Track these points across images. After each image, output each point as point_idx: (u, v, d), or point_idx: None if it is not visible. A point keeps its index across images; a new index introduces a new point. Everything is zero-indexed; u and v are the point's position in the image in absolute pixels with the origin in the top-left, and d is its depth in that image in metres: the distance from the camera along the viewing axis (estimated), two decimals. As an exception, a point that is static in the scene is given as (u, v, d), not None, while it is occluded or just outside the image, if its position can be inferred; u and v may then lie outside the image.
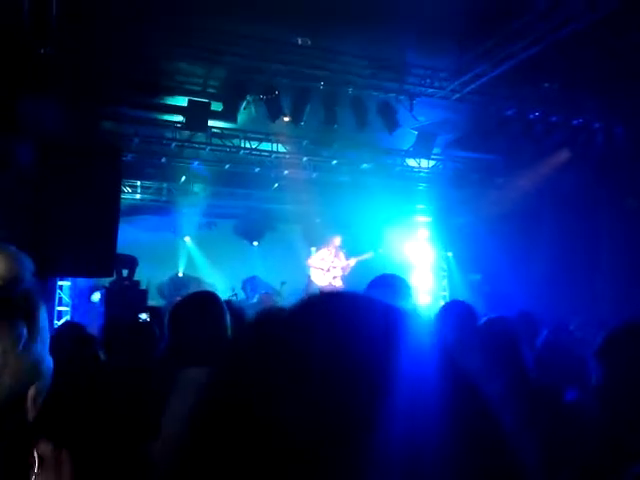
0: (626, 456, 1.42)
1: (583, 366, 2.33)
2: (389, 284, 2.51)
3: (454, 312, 3.08)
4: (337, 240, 10.99)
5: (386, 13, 6.64)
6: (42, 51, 6.66)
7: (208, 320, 2.28)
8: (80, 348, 2.75)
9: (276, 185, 11.05)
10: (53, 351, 1.13)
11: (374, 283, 2.52)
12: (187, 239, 11.88)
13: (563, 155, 9.94)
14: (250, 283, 11.28)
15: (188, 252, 11.93)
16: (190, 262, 11.89)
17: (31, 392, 1.00)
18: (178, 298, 2.98)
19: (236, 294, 10.84)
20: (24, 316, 1.02)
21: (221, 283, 11.16)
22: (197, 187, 10.82)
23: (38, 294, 1.14)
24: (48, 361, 1.08)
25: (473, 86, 8.31)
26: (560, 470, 1.60)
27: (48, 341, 1.11)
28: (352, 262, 10.90)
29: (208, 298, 2.46)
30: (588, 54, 7.26)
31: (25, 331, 1.00)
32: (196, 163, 10.27)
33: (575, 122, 9.56)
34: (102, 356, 3.01)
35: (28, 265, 1.12)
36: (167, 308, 6.45)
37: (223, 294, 10.31)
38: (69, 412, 2.26)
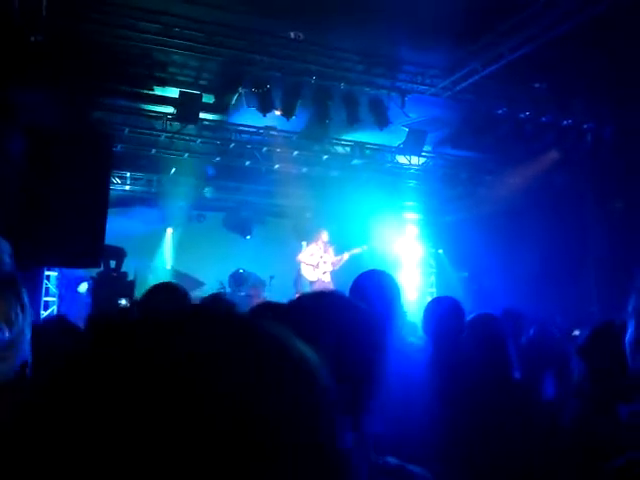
0: (604, 450, 1.45)
1: (566, 363, 2.37)
2: (376, 281, 2.52)
3: (440, 308, 3.10)
4: (324, 235, 11.01)
5: (379, 9, 6.65)
6: (33, 39, 6.60)
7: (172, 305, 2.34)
8: (64, 340, 2.74)
9: (266, 179, 11.06)
10: (38, 343, 1.16)
11: (361, 280, 2.53)
12: (169, 231, 11.77)
13: (552, 155, 10.01)
14: (233, 277, 11.28)
15: (174, 244, 11.83)
16: (177, 254, 11.81)
17: (24, 370, 1.04)
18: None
19: (224, 287, 10.83)
20: (15, 296, 1.05)
21: (209, 276, 11.14)
22: (189, 180, 10.83)
23: (18, 275, 1.17)
24: (29, 339, 1.11)
25: (464, 84, 8.34)
26: (539, 464, 1.63)
27: (30, 320, 1.15)
28: (345, 256, 10.91)
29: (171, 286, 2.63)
30: (579, 55, 7.31)
31: (20, 311, 1.03)
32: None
33: (565, 123, 9.63)
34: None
35: (5, 248, 1.14)
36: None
37: (211, 287, 10.30)
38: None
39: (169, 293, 2.61)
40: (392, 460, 1.11)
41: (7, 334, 0.95)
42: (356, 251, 11.00)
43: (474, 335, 2.47)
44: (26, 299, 1.05)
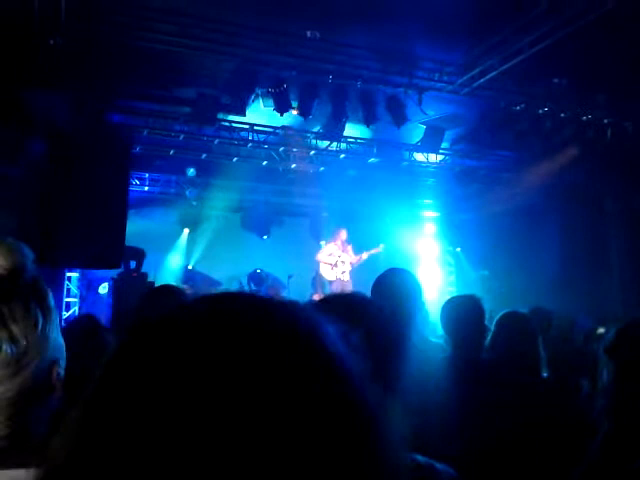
0: (634, 452, 1.42)
1: (593, 362, 2.34)
2: (399, 279, 2.51)
3: (459, 306, 3.06)
4: (343, 234, 10.98)
5: (395, 7, 6.62)
6: (51, 42, 6.66)
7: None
8: (93, 338, 2.77)
9: (284, 179, 11.08)
10: (67, 343, 1.17)
11: (383, 277, 2.51)
12: (186, 231, 11.85)
13: (572, 151, 9.89)
14: (251, 277, 11.31)
15: (192, 244, 11.89)
16: (195, 254, 11.88)
17: (54, 369, 1.05)
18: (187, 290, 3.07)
19: (243, 287, 10.87)
20: (37, 301, 1.06)
21: (227, 276, 11.19)
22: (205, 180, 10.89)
23: (42, 279, 1.17)
24: (60, 339, 1.12)
25: (482, 81, 8.27)
26: (571, 464, 1.61)
27: (57, 321, 1.16)
28: (365, 256, 10.86)
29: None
30: (598, 50, 7.21)
31: (40, 315, 1.04)
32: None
33: (584, 118, 9.50)
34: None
35: (28, 254, 1.16)
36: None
37: (228, 287, 10.34)
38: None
39: (168, 296, 2.67)
40: (420, 457, 1.11)
41: (24, 343, 0.97)
42: (375, 251, 10.96)
43: (503, 332, 2.44)
44: (51, 301, 1.06)
